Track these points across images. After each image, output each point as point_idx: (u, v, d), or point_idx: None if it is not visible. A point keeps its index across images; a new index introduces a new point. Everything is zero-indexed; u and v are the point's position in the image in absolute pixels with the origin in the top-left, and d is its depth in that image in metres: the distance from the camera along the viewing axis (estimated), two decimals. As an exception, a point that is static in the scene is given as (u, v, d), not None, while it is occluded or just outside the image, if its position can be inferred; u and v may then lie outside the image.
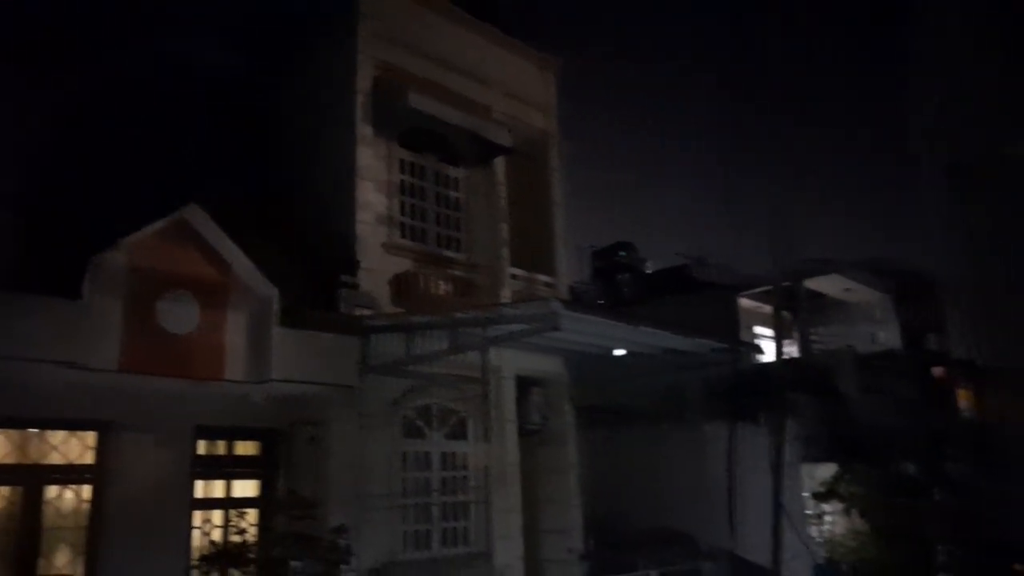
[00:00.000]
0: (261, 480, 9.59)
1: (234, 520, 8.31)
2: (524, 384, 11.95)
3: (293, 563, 7.79)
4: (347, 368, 9.36)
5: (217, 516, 9.18)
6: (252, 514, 8.93)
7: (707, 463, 13.61)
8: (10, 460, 7.97)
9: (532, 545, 11.66)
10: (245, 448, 9.73)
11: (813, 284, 19.92)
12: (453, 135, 12.03)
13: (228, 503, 9.24)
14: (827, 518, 14.10)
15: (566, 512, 12.09)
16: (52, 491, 8.15)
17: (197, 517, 8.99)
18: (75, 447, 8.32)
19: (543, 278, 12.89)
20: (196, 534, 8.90)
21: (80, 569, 8.10)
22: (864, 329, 21.85)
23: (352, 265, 10.19)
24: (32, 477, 8.03)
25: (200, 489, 9.15)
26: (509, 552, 10.84)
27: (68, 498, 8.23)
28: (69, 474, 8.24)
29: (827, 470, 14.04)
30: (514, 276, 12.34)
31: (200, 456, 9.13)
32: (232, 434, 9.52)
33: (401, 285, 10.79)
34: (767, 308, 18.78)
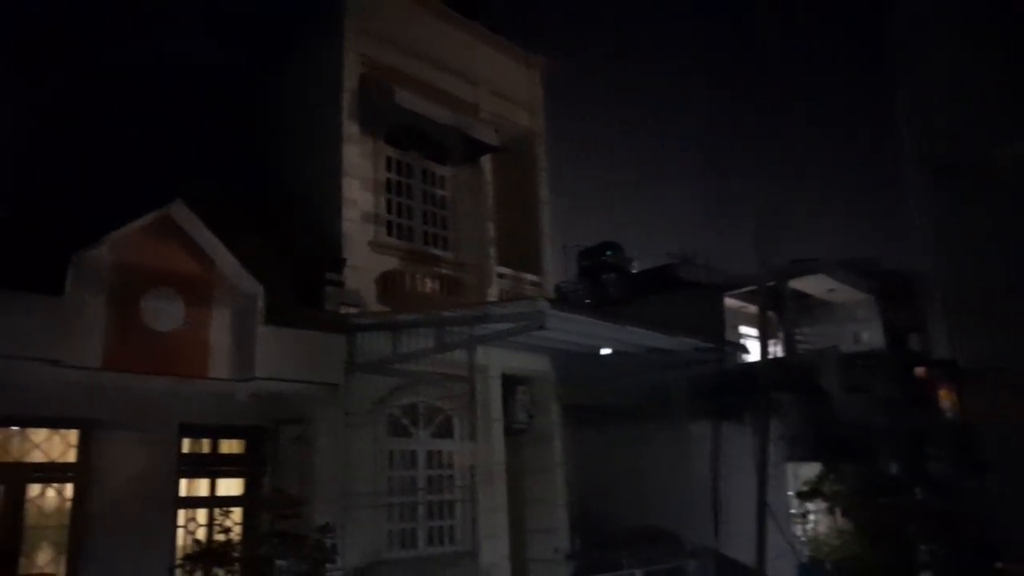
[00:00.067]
0: (246, 478, 9.55)
1: (219, 519, 8.27)
2: (510, 383, 11.95)
3: (278, 562, 7.75)
4: (333, 366, 9.33)
5: (202, 515, 9.13)
6: (237, 513, 8.88)
7: (692, 462, 13.65)
8: (-9, 458, 7.90)
9: (518, 544, 11.66)
10: (230, 446, 9.68)
11: (798, 284, 20.07)
12: (440, 133, 12.01)
13: (213, 502, 9.20)
14: (811, 517, 14.18)
15: (552, 511, 12.10)
16: (34, 489, 8.07)
17: (181, 516, 8.94)
18: (57, 445, 8.24)
19: (530, 277, 12.90)
20: (180, 533, 8.85)
21: (62, 568, 8.03)
22: (848, 329, 22.04)
23: (338, 263, 10.15)
24: (14, 475, 7.95)
25: (184, 488, 9.10)
26: (495, 551, 10.84)
27: (50, 497, 8.16)
28: (51, 472, 8.16)
29: (811, 469, 14.13)
30: (501, 275, 12.34)
31: (184, 454, 9.07)
32: (217, 432, 9.47)
33: (387, 283, 10.76)
34: (752, 308, 18.90)
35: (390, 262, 10.97)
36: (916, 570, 13.46)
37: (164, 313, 8.00)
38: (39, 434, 8.16)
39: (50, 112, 9.45)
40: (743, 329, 20.79)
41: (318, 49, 11.43)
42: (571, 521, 12.25)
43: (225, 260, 8.46)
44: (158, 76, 10.82)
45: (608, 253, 24.08)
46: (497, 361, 11.43)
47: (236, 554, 7.73)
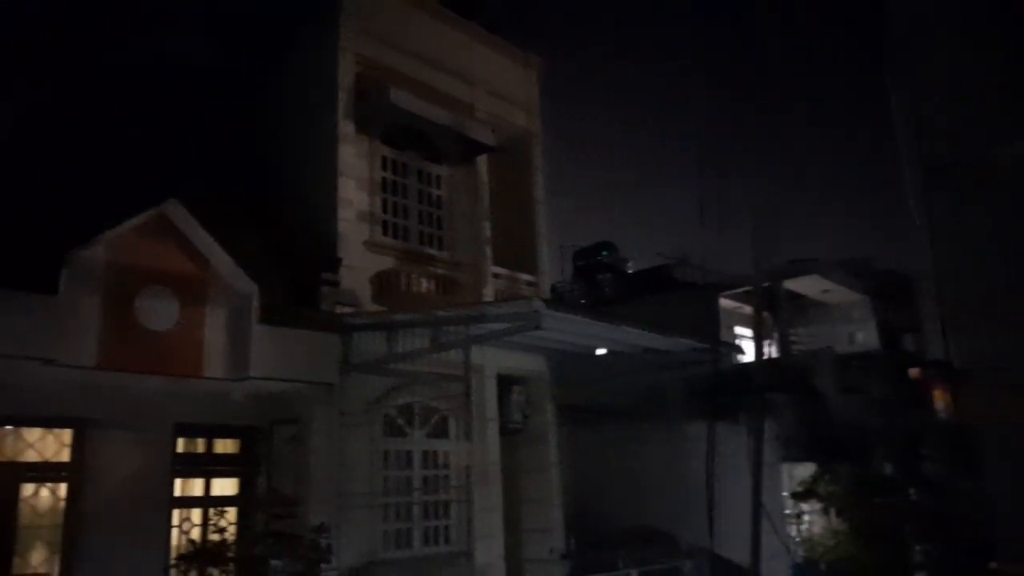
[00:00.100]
0: (241, 478, 9.53)
1: (213, 519, 8.24)
2: (506, 383, 11.94)
3: (273, 562, 7.74)
4: (328, 366, 9.31)
5: (196, 515, 9.11)
6: (232, 513, 8.88)
7: (687, 462, 13.65)
8: (-15, 458, 7.87)
9: (513, 544, 11.66)
10: (225, 446, 9.67)
11: (793, 285, 20.11)
12: (436, 133, 12.00)
13: (207, 501, 9.19)
14: (806, 517, 14.22)
15: (547, 511, 12.10)
16: (28, 489, 8.05)
17: (176, 516, 8.93)
18: (51, 444, 8.22)
19: (525, 277, 12.90)
20: (175, 533, 8.84)
21: (56, 568, 8.01)
22: (843, 330, 22.08)
23: (334, 262, 10.13)
24: (8, 475, 7.93)
25: (179, 487, 9.08)
26: (490, 551, 10.83)
27: (44, 496, 8.14)
28: (45, 472, 8.15)
29: (806, 470, 14.16)
30: (496, 275, 12.33)
31: (179, 454, 9.06)
32: (212, 432, 9.46)
33: (383, 283, 10.74)
34: (748, 308, 18.91)
35: (386, 262, 10.95)
36: (910, 570, 13.49)
37: (159, 312, 7.98)
38: (33, 433, 8.14)
39: (45, 111, 9.43)
40: (738, 330, 20.83)
41: (314, 49, 11.40)
42: (566, 521, 12.24)
43: (220, 259, 8.45)
44: (154, 75, 10.79)
45: (604, 253, 24.10)
46: (493, 361, 11.42)
47: (231, 554, 7.72)
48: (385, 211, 11.36)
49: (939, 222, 4.30)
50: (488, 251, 12.21)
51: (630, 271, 24.50)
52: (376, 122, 11.29)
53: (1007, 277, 4.10)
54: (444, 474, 10.99)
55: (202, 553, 7.69)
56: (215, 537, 7.98)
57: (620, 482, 14.11)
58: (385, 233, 11.24)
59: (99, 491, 8.15)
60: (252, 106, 12.18)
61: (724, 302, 19.90)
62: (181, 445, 9.14)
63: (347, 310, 9.94)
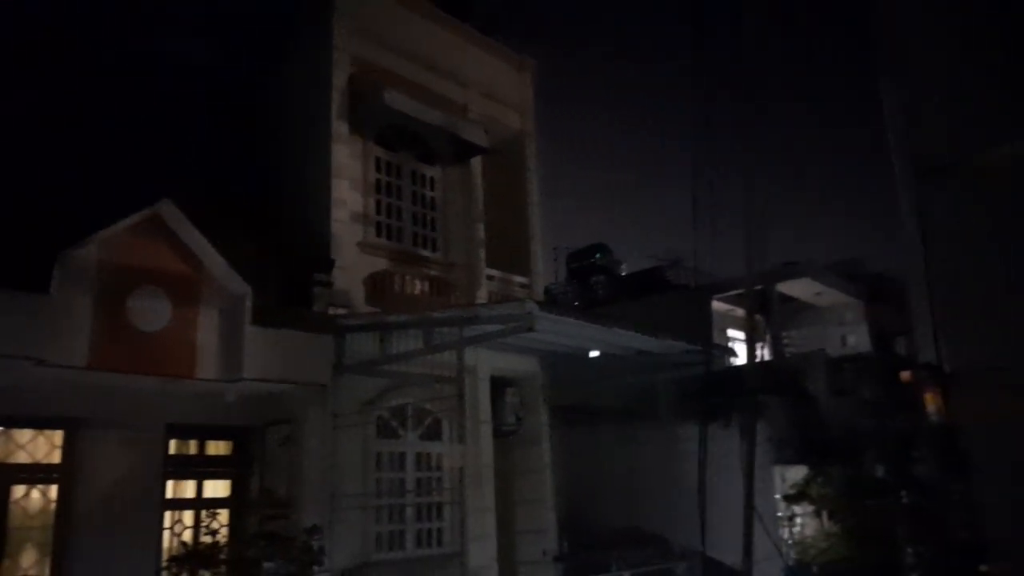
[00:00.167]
0: (233, 480, 9.50)
1: (206, 520, 8.21)
2: (499, 384, 11.94)
3: (266, 564, 7.71)
4: (321, 367, 9.30)
5: (188, 516, 9.08)
6: (224, 514, 8.82)
7: (680, 464, 13.67)
8: (-26, 459, 7.82)
9: (506, 546, 11.65)
10: (217, 447, 9.63)
11: (785, 288, 20.18)
12: (430, 134, 12.01)
13: (199, 503, 9.15)
14: (798, 520, 14.25)
15: (540, 513, 12.09)
16: (18, 491, 7.99)
17: (168, 517, 8.89)
18: (42, 446, 8.18)
19: (519, 279, 12.90)
20: (167, 535, 8.79)
21: (47, 570, 7.96)
22: (835, 332, 22.17)
23: (327, 263, 10.12)
24: (-3, 476, 7.88)
25: (171, 489, 9.04)
26: (483, 553, 10.81)
27: (35, 498, 8.09)
28: (36, 473, 8.10)
29: (798, 472, 14.20)
30: (490, 276, 12.34)
31: (171, 455, 9.02)
32: (204, 433, 9.42)
33: (376, 284, 10.74)
34: (740, 311, 18.97)
35: (379, 263, 10.95)
36: (902, 572, 13.53)
37: (152, 313, 7.95)
38: (24, 434, 8.10)
39: (40, 110, 9.39)
40: (730, 332, 20.89)
41: (308, 50, 11.40)
42: (560, 523, 12.25)
43: (213, 260, 8.42)
44: (148, 75, 10.76)
45: (597, 255, 24.16)
46: (486, 363, 11.41)
47: (223, 556, 7.67)
48: (379, 212, 11.35)
49: (934, 223, 4.31)
50: (481, 253, 12.21)
51: (623, 273, 24.55)
52: (370, 123, 11.29)
53: (1003, 278, 4.11)
54: (437, 476, 10.98)
55: (194, 555, 7.64)
56: (207, 539, 7.93)
57: (613, 484, 14.13)
58: (379, 234, 11.23)
59: (90, 493, 8.11)
60: (246, 107, 12.16)
61: (717, 304, 19.96)
62: (173, 446, 9.10)
63: (340, 311, 9.92)
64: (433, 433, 11.05)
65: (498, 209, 12.91)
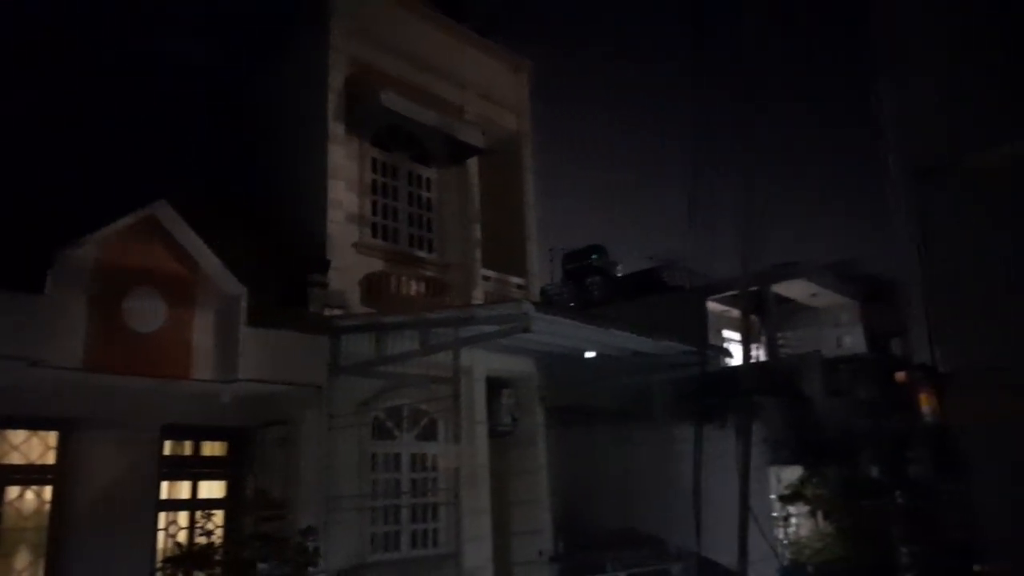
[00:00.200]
0: (228, 481, 9.48)
1: (200, 521, 8.20)
2: (495, 385, 11.94)
3: (261, 565, 7.70)
4: (316, 368, 9.29)
5: (183, 517, 9.05)
6: (219, 515, 8.83)
7: (676, 465, 13.67)
8: (-31, 460, 7.80)
9: (502, 547, 11.64)
10: (212, 448, 9.61)
11: (781, 289, 20.22)
12: (426, 135, 12.01)
13: (195, 504, 9.12)
14: (793, 520, 14.27)
15: (536, 514, 12.09)
16: (13, 492, 7.97)
17: (162, 519, 8.86)
18: (36, 447, 8.15)
19: (515, 279, 12.90)
20: (161, 536, 8.77)
21: (41, 571, 7.94)
22: (830, 333, 22.21)
23: (323, 264, 10.11)
24: (-8, 477, 7.86)
25: (166, 490, 9.01)
26: (478, 554, 10.81)
27: (29, 499, 8.06)
28: (30, 474, 8.07)
29: (793, 472, 14.22)
30: (486, 277, 12.33)
31: (166, 456, 9.00)
32: (199, 434, 9.40)
33: (372, 285, 10.74)
34: (735, 312, 19.00)
35: (375, 264, 10.94)
36: (897, 572, 13.57)
37: (147, 314, 7.94)
38: (18, 435, 8.07)
39: (34, 111, 9.37)
40: (726, 333, 20.91)
41: (305, 50, 11.39)
42: (555, 523, 12.25)
43: (209, 261, 8.41)
44: (145, 75, 10.75)
45: (593, 256, 24.20)
46: (482, 363, 11.41)
47: (218, 557, 7.67)
48: (375, 213, 11.35)
49: (933, 223, 4.33)
50: (478, 253, 12.21)
51: (619, 274, 24.58)
52: (366, 124, 11.29)
53: (1002, 278, 4.13)
54: (432, 476, 10.98)
55: (189, 556, 7.64)
56: (202, 540, 7.93)
57: (609, 485, 14.13)
58: (374, 235, 11.23)
59: (85, 494, 8.09)
60: (242, 107, 12.15)
61: (712, 305, 19.99)
62: (168, 447, 9.07)
63: (336, 312, 9.91)
64: (429, 434, 11.05)
65: (494, 210, 12.91)
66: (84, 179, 8.71)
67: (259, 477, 9.25)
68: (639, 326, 10.43)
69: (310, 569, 7.96)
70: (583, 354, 11.35)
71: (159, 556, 8.37)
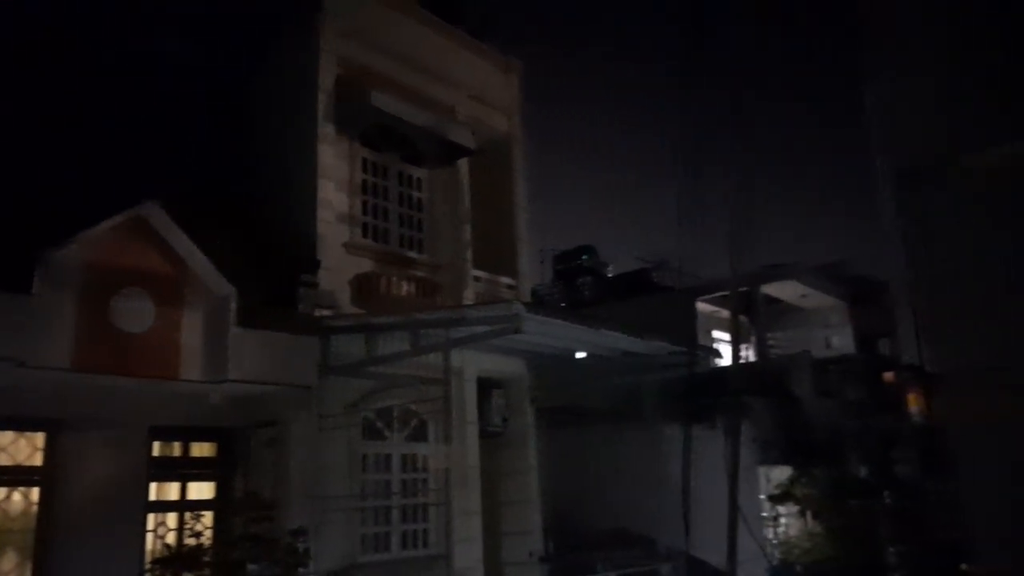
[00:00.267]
0: (218, 482, 9.44)
1: (189, 523, 8.17)
2: (485, 386, 11.94)
3: (250, 566, 7.67)
4: (306, 369, 9.26)
5: (172, 519, 9.01)
6: (208, 516, 8.79)
7: (666, 465, 13.71)
8: (-45, 461, 7.74)
9: (492, 547, 11.64)
10: (201, 449, 9.57)
11: (770, 289, 20.30)
12: (416, 135, 12.00)
13: (183, 505, 9.08)
14: (782, 520, 14.34)
15: (527, 514, 12.09)
16: (-1, 493, 7.92)
17: (151, 520, 8.81)
18: (23, 448, 8.09)
19: (505, 280, 12.90)
20: (150, 537, 8.72)
21: (28, 574, 7.88)
22: (819, 334, 22.32)
23: (312, 264, 10.09)
24: (-22, 479, 7.80)
25: (154, 491, 8.97)
26: (469, 555, 10.80)
27: (16, 501, 8.00)
28: (17, 476, 8.01)
29: (783, 473, 14.29)
30: (477, 278, 12.33)
31: (155, 457, 8.95)
32: (188, 435, 9.36)
33: (362, 285, 10.71)
34: (725, 312, 19.06)
35: (365, 264, 10.92)
36: (885, 572, 13.65)
37: (136, 314, 7.90)
38: (5, 436, 8.00)
39: (23, 110, 9.31)
40: (716, 333, 20.98)
41: (295, 50, 11.36)
42: (545, 524, 12.25)
43: (198, 261, 8.38)
44: (134, 75, 10.70)
45: (584, 257, 24.25)
46: (472, 364, 11.41)
47: (207, 558, 7.64)
48: (365, 213, 11.33)
49: (930, 223, 4.34)
50: (468, 254, 12.20)
51: (610, 275, 24.63)
52: (357, 124, 11.27)
53: (997, 278, 4.15)
54: (423, 477, 10.97)
55: (178, 558, 7.61)
56: (191, 541, 7.90)
57: (599, 485, 14.16)
58: (365, 235, 11.21)
59: (72, 495, 8.04)
60: (233, 107, 12.10)
61: (702, 306, 20.05)
62: (157, 448, 9.03)
63: (326, 312, 9.89)
64: (419, 435, 11.04)
65: (485, 210, 12.91)
66: (73, 178, 8.66)
67: (249, 478, 9.22)
68: (629, 326, 10.45)
69: (300, 570, 7.94)
70: (574, 355, 11.36)
71: (148, 558, 8.33)
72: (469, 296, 11.91)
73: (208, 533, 8.26)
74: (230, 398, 8.69)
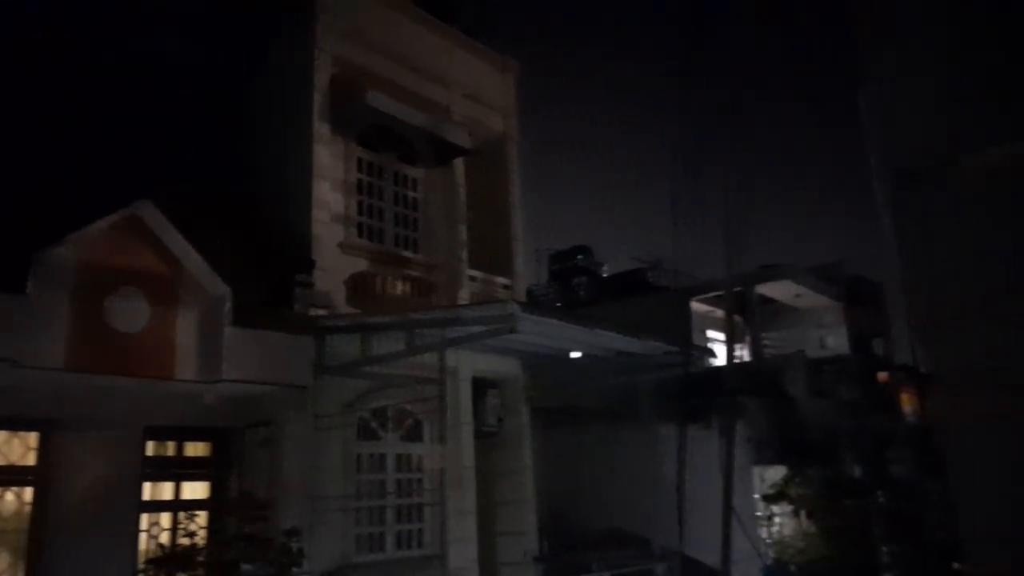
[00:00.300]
0: (212, 481, 9.42)
1: (183, 523, 8.14)
2: (480, 386, 11.93)
3: (244, 566, 7.65)
4: (301, 368, 9.24)
5: (166, 519, 8.99)
6: (202, 516, 8.76)
7: (660, 465, 13.75)
8: (-52, 461, 7.70)
9: (487, 547, 11.64)
10: (196, 449, 9.55)
11: (765, 289, 20.34)
12: (412, 135, 11.98)
13: (177, 505, 9.06)
14: (776, 520, 14.37)
15: (521, 514, 12.09)
16: (-8, 493, 7.88)
17: (145, 520, 8.79)
18: (17, 448, 8.06)
19: (501, 280, 12.90)
20: (144, 537, 8.70)
21: (21, 574, 7.85)
22: (814, 334, 22.37)
23: (308, 264, 10.07)
24: (-29, 479, 7.76)
25: (148, 491, 8.95)
26: (464, 555, 10.80)
27: (9, 500, 7.98)
28: (10, 476, 7.98)
29: (777, 472, 14.32)
30: (472, 278, 12.32)
31: (149, 457, 8.92)
32: (182, 434, 9.34)
33: (357, 285, 10.69)
34: (720, 312, 19.09)
35: (360, 264, 10.90)
36: (879, 571, 13.69)
37: (130, 313, 7.87)
38: (-2, 436, 7.98)
39: (16, 109, 9.26)
40: (710, 333, 21.02)
41: (291, 49, 11.33)
42: (540, 524, 12.25)
43: (192, 261, 8.35)
44: (129, 74, 10.65)
45: (579, 257, 24.26)
46: (467, 364, 11.40)
47: (201, 558, 7.62)
48: (360, 213, 11.31)
49: (930, 223, 4.35)
50: (464, 254, 12.19)
51: (605, 275, 24.65)
52: (352, 123, 11.24)
53: (997, 278, 4.16)
54: (418, 477, 10.95)
55: (172, 557, 7.58)
56: (185, 541, 7.87)
57: (594, 485, 14.17)
58: (360, 235, 11.19)
59: (66, 495, 8.01)
60: (228, 106, 12.06)
61: (696, 306, 20.08)
62: (151, 448, 9.00)
63: (321, 312, 9.87)
64: (414, 434, 11.03)
65: (480, 210, 12.90)
66: (67, 177, 8.62)
67: (243, 478, 9.20)
68: (624, 326, 10.45)
69: (294, 570, 7.92)
70: (569, 354, 11.37)
71: (141, 558, 8.30)
72: (464, 296, 11.90)
73: (202, 533, 8.24)
74: (225, 398, 8.67)
